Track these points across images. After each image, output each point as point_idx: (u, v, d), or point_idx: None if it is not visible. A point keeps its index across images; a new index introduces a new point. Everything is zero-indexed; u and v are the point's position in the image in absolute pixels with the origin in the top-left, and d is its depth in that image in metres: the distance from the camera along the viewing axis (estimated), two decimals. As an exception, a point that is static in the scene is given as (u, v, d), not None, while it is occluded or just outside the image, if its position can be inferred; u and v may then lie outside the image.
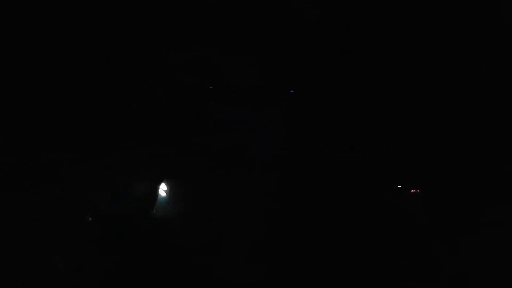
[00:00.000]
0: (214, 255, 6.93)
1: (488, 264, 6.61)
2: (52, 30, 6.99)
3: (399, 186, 7.33)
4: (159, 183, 7.31)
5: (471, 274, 6.65)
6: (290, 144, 7.47)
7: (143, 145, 7.26)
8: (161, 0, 7.21)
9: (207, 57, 7.41)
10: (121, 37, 7.18)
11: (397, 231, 7.06)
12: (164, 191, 7.30)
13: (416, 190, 7.27)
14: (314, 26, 7.39)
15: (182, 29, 7.35)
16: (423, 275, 6.77)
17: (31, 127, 6.92)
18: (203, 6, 7.33)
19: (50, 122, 6.97)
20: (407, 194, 7.30)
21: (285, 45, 7.43)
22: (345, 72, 7.42)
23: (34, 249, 6.47)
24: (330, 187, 7.30)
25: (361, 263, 6.86)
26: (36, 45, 6.97)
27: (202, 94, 7.52)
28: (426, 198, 7.24)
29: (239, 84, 7.55)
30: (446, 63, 7.20)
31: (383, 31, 7.26)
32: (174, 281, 6.74)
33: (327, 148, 7.40)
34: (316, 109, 7.52)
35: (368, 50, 7.33)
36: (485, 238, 6.71)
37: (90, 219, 6.85)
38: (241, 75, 7.56)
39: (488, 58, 7.09)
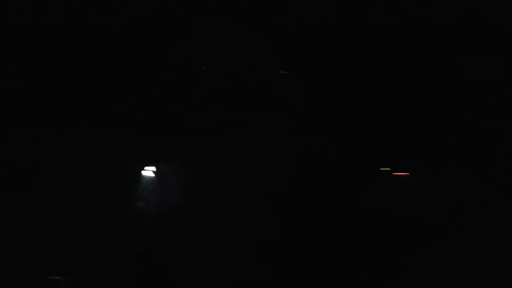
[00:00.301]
0: (214, 254, 6.95)
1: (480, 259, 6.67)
2: (52, 30, 7.00)
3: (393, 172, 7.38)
4: (156, 182, 7.34)
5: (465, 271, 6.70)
6: (290, 144, 7.49)
7: (143, 145, 7.27)
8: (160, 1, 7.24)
9: (207, 56, 7.44)
10: (119, 37, 7.19)
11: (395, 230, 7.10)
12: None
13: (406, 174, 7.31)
14: (314, 26, 7.40)
15: (182, 29, 7.35)
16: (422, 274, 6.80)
17: (29, 127, 6.93)
18: (202, 6, 7.34)
19: (48, 122, 6.99)
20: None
21: (286, 45, 7.45)
22: (343, 72, 7.45)
23: (33, 248, 6.50)
24: (329, 185, 7.32)
25: (361, 262, 6.89)
26: (36, 45, 6.98)
27: (202, 94, 7.53)
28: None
29: (239, 84, 7.57)
30: (445, 61, 7.23)
31: (383, 31, 7.28)
32: (172, 279, 6.78)
33: (327, 147, 7.42)
34: (315, 108, 7.54)
35: (366, 50, 7.35)
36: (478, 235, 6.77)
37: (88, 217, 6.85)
38: (242, 74, 7.58)
39: (487, 58, 7.10)
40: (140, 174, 7.27)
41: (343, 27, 7.29)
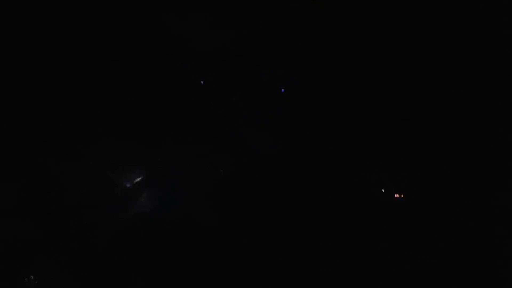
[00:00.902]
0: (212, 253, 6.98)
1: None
2: (51, 32, 7.03)
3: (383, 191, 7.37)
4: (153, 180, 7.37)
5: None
6: (289, 143, 7.50)
7: (142, 145, 7.30)
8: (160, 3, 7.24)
9: (205, 57, 7.45)
10: (117, 38, 7.20)
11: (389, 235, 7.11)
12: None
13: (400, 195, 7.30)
14: (313, 25, 7.40)
15: (181, 29, 7.36)
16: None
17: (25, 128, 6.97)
18: (202, 6, 7.34)
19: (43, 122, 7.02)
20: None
21: (285, 45, 7.45)
22: (343, 73, 7.45)
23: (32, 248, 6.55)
24: (326, 187, 7.33)
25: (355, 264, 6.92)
26: (34, 47, 7.01)
27: (200, 93, 7.54)
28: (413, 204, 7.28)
29: (238, 84, 7.58)
30: (446, 65, 7.22)
31: (382, 31, 7.27)
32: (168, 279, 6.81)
33: (324, 148, 7.43)
34: (314, 109, 7.54)
35: (368, 52, 7.34)
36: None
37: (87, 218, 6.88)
38: (241, 75, 7.58)
39: (488, 58, 7.09)
40: (136, 175, 7.30)
41: (342, 27, 7.30)
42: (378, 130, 7.36)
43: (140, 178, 7.28)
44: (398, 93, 7.34)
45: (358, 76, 7.44)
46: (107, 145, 7.17)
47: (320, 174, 7.37)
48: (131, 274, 6.77)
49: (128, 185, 7.18)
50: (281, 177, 7.42)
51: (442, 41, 7.20)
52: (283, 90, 7.45)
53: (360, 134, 7.39)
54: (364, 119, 7.38)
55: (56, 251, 6.61)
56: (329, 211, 7.19)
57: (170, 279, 6.80)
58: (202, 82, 7.43)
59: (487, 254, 6.78)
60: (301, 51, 7.51)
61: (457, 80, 7.16)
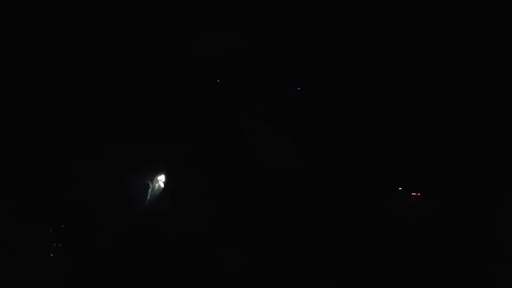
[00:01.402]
0: (210, 253, 6.96)
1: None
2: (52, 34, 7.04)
3: (400, 189, 7.34)
4: (156, 181, 7.36)
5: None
6: (291, 144, 7.50)
7: (141, 144, 7.30)
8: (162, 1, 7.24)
9: (206, 58, 7.45)
10: (120, 38, 7.21)
11: (396, 234, 7.08)
12: (160, 186, 7.33)
13: (417, 193, 7.28)
14: (316, 26, 7.40)
15: (183, 30, 7.36)
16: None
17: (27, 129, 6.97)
18: (205, 6, 7.34)
19: (47, 123, 7.02)
20: (408, 197, 7.31)
21: (285, 46, 7.45)
22: (347, 74, 7.43)
23: (33, 249, 6.54)
24: (330, 188, 7.31)
25: (358, 265, 6.90)
26: (34, 47, 7.02)
27: (202, 94, 7.54)
28: (427, 201, 7.25)
29: (239, 85, 7.58)
30: (446, 65, 7.21)
31: (384, 32, 7.27)
32: (169, 279, 6.80)
33: (329, 149, 7.42)
34: (317, 110, 7.53)
35: (368, 52, 7.33)
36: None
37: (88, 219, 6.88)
38: (242, 74, 7.58)
39: (488, 58, 7.08)
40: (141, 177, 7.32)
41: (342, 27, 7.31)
42: (378, 130, 7.37)
43: (140, 178, 7.29)
44: (398, 93, 7.35)
45: (358, 76, 7.44)
46: (107, 145, 7.16)
47: (320, 174, 7.37)
48: (131, 274, 6.77)
49: (128, 185, 7.19)
50: (281, 177, 7.41)
51: (442, 41, 7.20)
52: (299, 88, 7.46)
53: (361, 134, 7.39)
54: (364, 119, 7.39)
55: (56, 251, 6.61)
56: (329, 211, 7.20)
57: (170, 279, 6.80)
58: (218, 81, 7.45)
59: (487, 254, 6.78)
60: (301, 51, 7.51)
61: (457, 80, 7.16)
